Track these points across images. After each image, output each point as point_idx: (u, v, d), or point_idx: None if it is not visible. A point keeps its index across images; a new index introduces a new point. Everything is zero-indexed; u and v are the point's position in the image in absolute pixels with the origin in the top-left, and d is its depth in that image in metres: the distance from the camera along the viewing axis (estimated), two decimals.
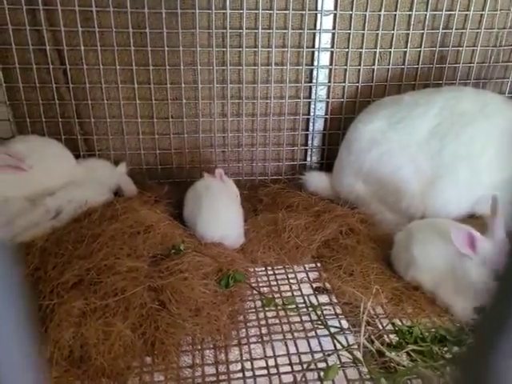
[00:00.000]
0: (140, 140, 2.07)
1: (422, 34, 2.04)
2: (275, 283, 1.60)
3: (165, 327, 1.29)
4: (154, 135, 2.07)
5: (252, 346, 1.33)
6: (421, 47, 2.06)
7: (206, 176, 1.82)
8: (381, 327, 1.39)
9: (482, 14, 2.03)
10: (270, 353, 1.31)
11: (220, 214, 1.67)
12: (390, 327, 1.40)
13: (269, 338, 1.36)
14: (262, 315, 1.44)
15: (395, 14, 1.99)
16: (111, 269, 1.39)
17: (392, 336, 1.36)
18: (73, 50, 1.88)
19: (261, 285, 1.59)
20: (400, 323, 1.42)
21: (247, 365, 1.27)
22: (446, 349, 1.31)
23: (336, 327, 1.39)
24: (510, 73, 2.15)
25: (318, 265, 1.69)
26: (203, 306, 1.36)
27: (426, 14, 2.00)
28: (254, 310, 1.46)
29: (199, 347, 1.31)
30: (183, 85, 1.97)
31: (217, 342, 1.33)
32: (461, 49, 2.07)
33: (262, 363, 1.28)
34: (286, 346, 1.34)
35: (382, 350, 1.28)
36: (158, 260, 1.50)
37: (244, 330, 1.38)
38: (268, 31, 1.95)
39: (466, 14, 2.02)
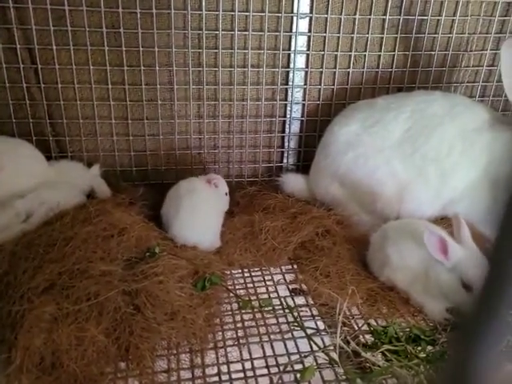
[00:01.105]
0: (114, 141, 2.04)
1: (396, 38, 2.07)
2: (252, 285, 1.60)
3: (139, 331, 1.27)
4: (128, 136, 2.04)
5: (228, 349, 1.32)
6: (394, 51, 2.09)
7: (196, 178, 1.80)
8: (356, 328, 1.40)
9: (453, 20, 2.07)
10: (246, 355, 1.30)
11: (198, 218, 1.65)
12: (365, 327, 1.41)
13: (245, 341, 1.35)
14: (238, 318, 1.44)
15: (370, 18, 2.01)
16: (84, 273, 1.36)
17: (367, 336, 1.38)
18: (44, 49, 1.84)
19: (237, 287, 1.58)
20: (375, 323, 1.43)
21: (223, 368, 1.26)
22: (419, 348, 1.33)
23: (312, 328, 1.40)
24: (480, 77, 2.21)
25: (295, 266, 1.70)
26: (179, 309, 1.35)
27: (399, 19, 2.04)
28: (230, 313, 1.45)
29: (175, 351, 1.30)
30: (158, 86, 1.95)
31: (193, 345, 1.31)
32: (433, 53, 2.11)
33: (239, 366, 1.27)
34: (263, 348, 1.33)
35: (357, 351, 1.29)
36: (132, 263, 1.47)
37: (220, 333, 1.37)
38: (244, 33, 1.94)
39: (438, 19, 2.06)
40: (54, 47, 1.82)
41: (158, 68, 1.92)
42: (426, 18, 2.05)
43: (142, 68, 1.92)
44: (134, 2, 1.80)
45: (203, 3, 1.85)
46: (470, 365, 0.35)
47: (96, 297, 1.29)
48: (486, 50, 2.16)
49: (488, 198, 1.70)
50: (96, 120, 1.98)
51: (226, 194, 1.86)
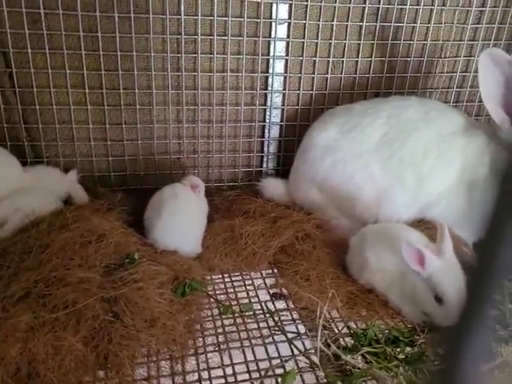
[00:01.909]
0: (91, 146, 2.01)
1: (373, 44, 2.11)
2: (232, 290, 1.59)
3: (118, 339, 1.25)
4: (106, 141, 2.01)
5: (209, 354, 1.31)
6: (371, 57, 2.13)
7: (180, 183, 1.79)
8: (337, 331, 1.42)
9: (427, 27, 2.12)
10: (227, 361, 1.30)
11: (178, 225, 1.64)
12: (345, 330, 1.42)
13: (226, 346, 1.34)
14: (219, 323, 1.43)
15: (347, 25, 2.04)
16: (61, 280, 1.34)
17: (348, 339, 1.39)
18: (19, 53, 1.80)
19: (218, 292, 1.57)
20: (355, 326, 1.44)
21: (204, 374, 1.25)
22: (398, 349, 1.35)
23: (293, 332, 1.40)
24: (454, 83, 2.26)
25: (275, 271, 1.70)
26: (159, 316, 1.33)
27: (375, 26, 2.07)
28: (211, 319, 1.45)
29: (155, 358, 1.28)
30: (137, 90, 1.94)
31: (173, 352, 1.30)
32: (409, 59, 2.15)
33: (220, 372, 1.26)
34: (244, 353, 1.33)
35: (338, 354, 1.30)
36: (111, 270, 1.45)
37: (201, 339, 1.36)
38: (223, 38, 1.95)
39: (413, 27, 2.11)
40: (30, 51, 1.79)
41: (136, 72, 1.90)
42: (401, 25, 2.09)
43: (120, 72, 1.90)
44: (111, 5, 1.79)
45: (182, 8, 1.85)
46: (458, 370, 0.36)
47: (74, 305, 1.27)
48: (460, 56, 2.21)
49: (463, 201, 1.74)
50: (73, 125, 1.95)
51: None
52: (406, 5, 2.05)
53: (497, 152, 1.70)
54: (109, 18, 1.81)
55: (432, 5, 2.08)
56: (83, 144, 2.00)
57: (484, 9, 2.14)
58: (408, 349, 1.35)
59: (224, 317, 1.46)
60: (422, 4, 2.06)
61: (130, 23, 1.82)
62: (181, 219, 1.65)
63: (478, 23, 2.17)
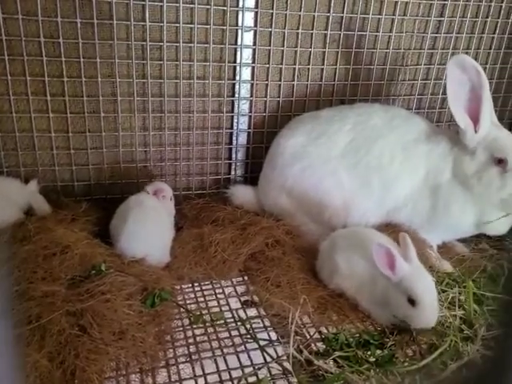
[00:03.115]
0: (54, 155, 1.95)
1: (337, 52, 2.15)
2: (203, 299, 1.57)
3: (86, 354, 1.21)
4: (69, 150, 1.96)
5: (181, 366, 1.29)
6: (336, 65, 2.17)
7: (144, 192, 1.76)
8: (308, 336, 1.42)
9: (389, 36, 2.18)
10: (199, 372, 1.27)
11: (145, 231, 1.61)
12: (317, 335, 1.42)
13: (198, 357, 1.32)
14: (190, 333, 1.41)
15: (312, 33, 2.07)
16: (24, 294, 1.28)
17: (319, 344, 1.39)
18: None
19: (188, 302, 1.55)
20: (326, 331, 1.45)
21: None
22: (369, 353, 1.36)
23: (265, 340, 1.39)
24: (415, 90, 2.33)
25: (246, 278, 1.69)
26: (127, 328, 1.30)
27: (340, 34, 2.11)
28: (181, 329, 1.42)
29: (124, 372, 1.25)
30: (101, 97, 1.90)
31: (143, 365, 1.27)
32: (372, 67, 2.21)
33: (192, 383, 1.24)
34: (216, 363, 1.31)
35: (310, 359, 1.30)
36: (76, 282, 1.41)
37: (172, 350, 1.33)
38: (189, 45, 1.94)
39: (376, 35, 2.16)
40: None
41: (100, 79, 1.87)
42: (364, 33, 2.14)
43: (84, 79, 1.85)
44: (73, 11, 1.75)
45: (147, 14, 1.83)
46: None
47: (38, 319, 1.22)
48: (420, 64, 2.29)
49: (427, 205, 1.79)
50: (34, 133, 1.89)
51: (171, 198, 1.84)
52: (368, 14, 2.10)
53: (459, 157, 1.76)
54: (71, 24, 1.77)
55: (393, 14, 2.14)
56: (45, 153, 1.94)
57: (442, 19, 2.22)
58: (378, 351, 1.37)
59: (195, 326, 1.43)
60: (384, 13, 2.12)
61: (93, 29, 1.79)
62: (147, 227, 1.62)
63: (437, 32, 2.25)
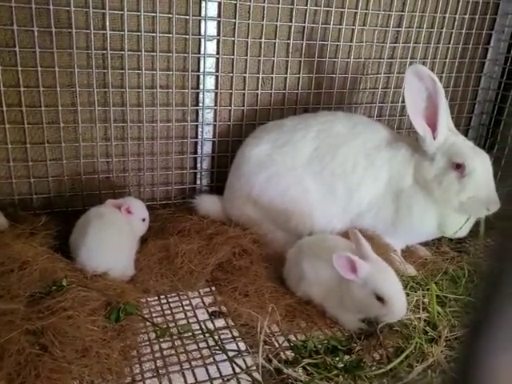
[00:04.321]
0: (11, 168, 1.88)
1: (300, 61, 2.18)
2: (169, 312, 1.54)
3: (47, 373, 1.16)
4: (27, 162, 1.89)
5: (147, 381, 1.25)
6: (299, 73, 2.19)
7: (106, 203, 1.72)
8: (277, 345, 1.41)
9: (350, 45, 2.23)
10: None
11: (106, 244, 1.57)
12: (286, 344, 1.42)
13: (165, 371, 1.29)
14: (156, 347, 1.37)
15: (275, 42, 2.09)
16: None
17: (288, 352, 1.39)
18: None
19: (154, 315, 1.51)
20: (295, 339, 1.45)
21: None
22: (337, 358, 1.37)
23: (234, 350, 1.38)
24: (376, 98, 2.38)
25: (213, 288, 1.67)
26: (91, 344, 1.25)
27: (302, 43, 2.14)
28: (147, 343, 1.39)
29: None
30: (60, 107, 1.85)
31: (108, 382, 1.22)
32: (334, 76, 2.25)
33: None
34: (184, 376, 1.28)
35: (279, 368, 1.29)
36: (36, 299, 1.35)
37: (138, 366, 1.30)
38: (152, 54, 1.92)
39: (337, 45, 2.20)
40: None
41: (59, 89, 1.82)
42: (326, 43, 2.18)
43: (42, 89, 1.80)
44: (30, 19, 1.70)
45: (107, 23, 1.80)
46: (479, 363, 0.36)
47: None
48: (381, 73, 2.34)
49: (390, 210, 1.82)
50: None
51: (144, 219, 1.80)
52: (329, 24, 2.14)
53: (419, 162, 1.81)
54: (27, 32, 1.72)
55: (353, 25, 2.19)
56: (1, 165, 1.87)
57: (400, 29, 2.29)
58: (346, 357, 1.37)
59: (162, 340, 1.40)
60: (344, 24, 2.17)
61: (51, 38, 1.74)
62: (108, 240, 1.58)
63: (395, 42, 2.32)
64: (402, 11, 2.26)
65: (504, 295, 0.36)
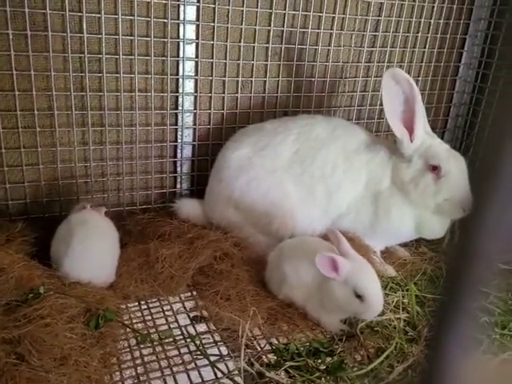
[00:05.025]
0: None
1: (279, 65, 2.19)
2: (150, 318, 1.53)
3: (24, 383, 1.13)
4: (2, 167, 1.85)
5: None
6: (279, 77, 2.20)
7: (85, 209, 1.69)
8: (259, 348, 1.41)
9: (328, 49, 2.25)
10: None
11: (91, 252, 1.54)
12: (268, 347, 1.42)
13: (146, 378, 1.28)
14: (137, 354, 1.36)
15: (254, 46, 2.10)
16: None
17: (270, 355, 1.39)
18: None
19: (134, 321, 1.50)
20: (277, 342, 1.45)
21: None
22: (319, 361, 1.37)
23: (216, 355, 1.37)
24: (355, 101, 2.41)
25: (194, 293, 1.66)
26: (70, 352, 1.23)
27: (281, 47, 2.15)
28: (128, 350, 1.37)
29: None
30: (36, 112, 1.81)
31: None
32: (313, 79, 2.26)
33: None
34: (165, 382, 1.27)
35: (261, 372, 1.29)
36: (12, 307, 1.33)
37: (118, 373, 1.28)
38: (130, 57, 1.90)
39: (316, 49, 2.22)
40: None
41: (35, 92, 1.78)
42: (304, 47, 2.19)
43: (17, 93, 1.77)
44: (4, 22, 1.67)
45: (84, 26, 1.77)
46: (442, 361, 0.36)
47: None
48: (359, 77, 2.37)
49: (369, 212, 1.85)
50: None
51: None
52: (307, 28, 2.16)
53: (397, 165, 1.83)
54: (2, 35, 1.69)
55: (331, 29, 2.22)
56: None
57: (377, 33, 2.32)
58: (328, 359, 1.38)
59: (142, 346, 1.39)
60: (323, 28, 2.19)
61: (26, 41, 1.71)
62: (93, 247, 1.55)
63: (372, 47, 2.35)
64: (379, 16, 2.30)
65: (462, 293, 0.37)
